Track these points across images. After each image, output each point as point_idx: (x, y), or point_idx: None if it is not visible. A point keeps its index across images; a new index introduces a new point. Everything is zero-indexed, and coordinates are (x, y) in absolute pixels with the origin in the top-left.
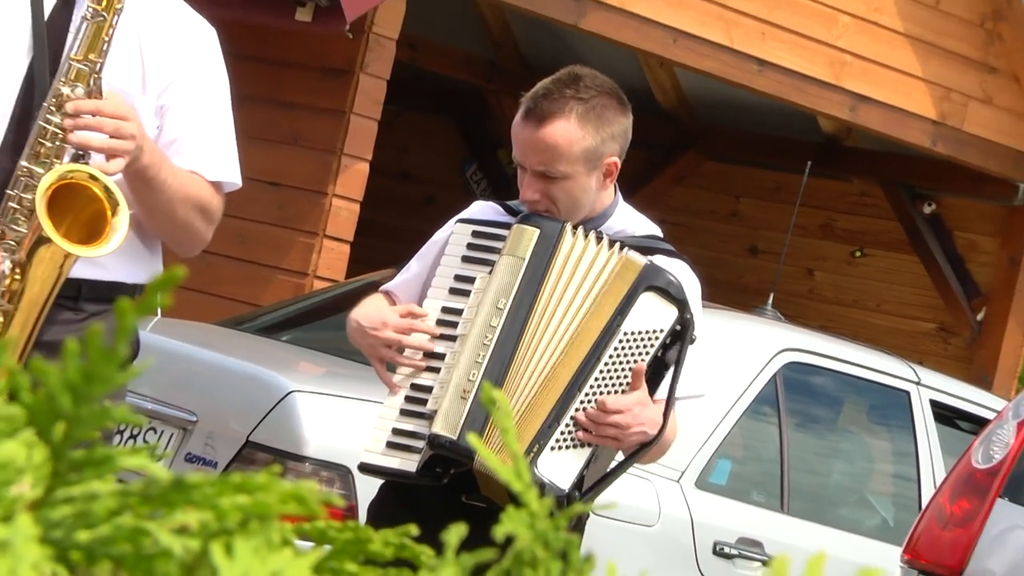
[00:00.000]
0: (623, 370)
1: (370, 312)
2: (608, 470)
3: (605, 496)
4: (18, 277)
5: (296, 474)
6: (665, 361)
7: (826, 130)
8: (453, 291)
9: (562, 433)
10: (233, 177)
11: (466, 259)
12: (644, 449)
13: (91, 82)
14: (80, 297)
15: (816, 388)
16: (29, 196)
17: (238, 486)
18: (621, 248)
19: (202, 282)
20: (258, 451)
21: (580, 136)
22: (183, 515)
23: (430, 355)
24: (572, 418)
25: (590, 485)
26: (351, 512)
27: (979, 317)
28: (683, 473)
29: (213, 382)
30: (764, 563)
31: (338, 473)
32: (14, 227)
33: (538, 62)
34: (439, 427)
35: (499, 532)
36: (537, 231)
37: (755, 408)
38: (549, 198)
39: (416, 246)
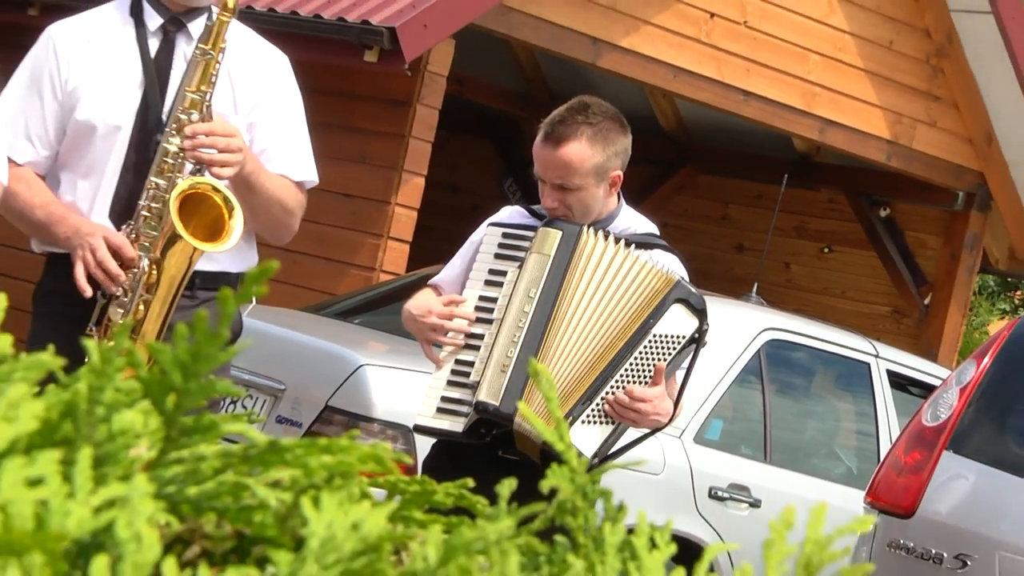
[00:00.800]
0: (648, 365)
1: (419, 302)
2: (622, 445)
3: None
4: (154, 271)
5: (367, 433)
6: (680, 360)
7: (799, 148)
8: (488, 283)
9: (592, 410)
10: (312, 176)
11: (498, 256)
12: (655, 432)
13: (203, 108)
14: (195, 286)
15: (793, 361)
16: (157, 205)
17: (324, 448)
18: (627, 245)
19: (289, 276)
20: (335, 414)
21: (590, 155)
22: (277, 472)
23: (470, 336)
24: (602, 399)
25: (607, 454)
26: (413, 468)
27: (926, 302)
28: (683, 431)
29: (298, 357)
30: (751, 504)
31: (400, 432)
32: (147, 231)
33: (562, 93)
34: (484, 395)
35: (545, 486)
36: (560, 233)
37: (742, 377)
38: (566, 205)
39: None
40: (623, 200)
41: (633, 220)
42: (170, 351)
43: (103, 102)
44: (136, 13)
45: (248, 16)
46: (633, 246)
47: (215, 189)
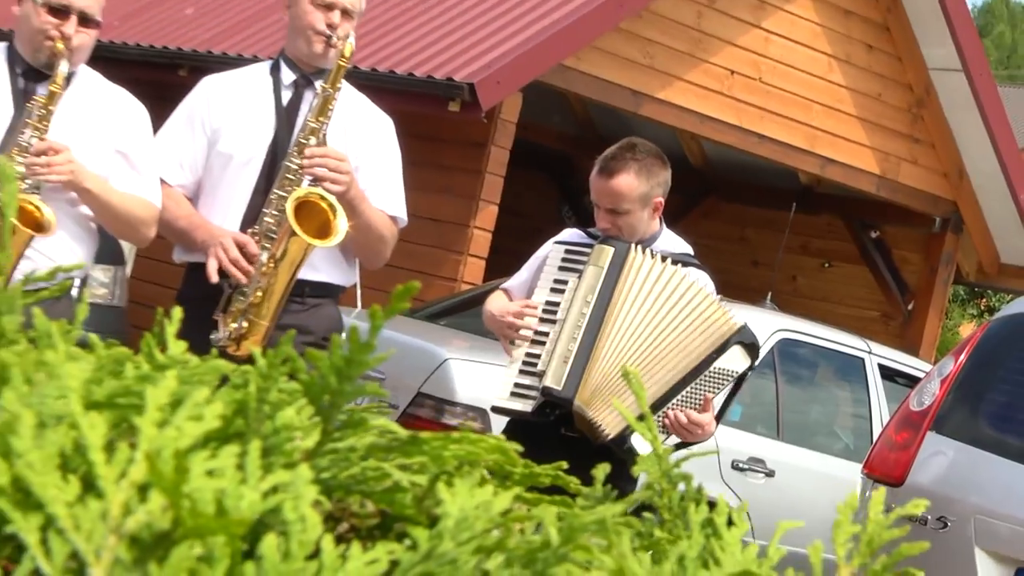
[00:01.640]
0: (702, 392)
1: (499, 305)
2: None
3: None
4: (272, 266)
5: (451, 415)
6: (726, 388)
7: (804, 181)
8: (553, 290)
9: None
10: (402, 214)
11: (561, 268)
12: (693, 444)
13: (320, 136)
14: (304, 294)
15: (800, 356)
16: (278, 213)
17: (456, 440)
18: (663, 259)
19: (388, 286)
20: (425, 399)
21: (637, 185)
22: (416, 460)
23: (538, 333)
24: (663, 413)
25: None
26: None
27: (909, 308)
28: None
29: (396, 352)
30: (766, 474)
31: (479, 413)
32: (268, 234)
33: (609, 136)
34: (549, 381)
35: (636, 470)
36: (612, 249)
37: (759, 370)
38: (617, 227)
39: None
40: (664, 223)
41: (671, 241)
42: (327, 357)
43: (241, 138)
44: (275, 71)
45: (354, 75)
46: (669, 260)
47: (323, 197)
